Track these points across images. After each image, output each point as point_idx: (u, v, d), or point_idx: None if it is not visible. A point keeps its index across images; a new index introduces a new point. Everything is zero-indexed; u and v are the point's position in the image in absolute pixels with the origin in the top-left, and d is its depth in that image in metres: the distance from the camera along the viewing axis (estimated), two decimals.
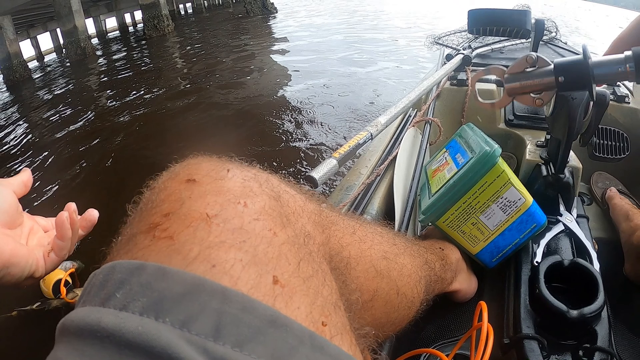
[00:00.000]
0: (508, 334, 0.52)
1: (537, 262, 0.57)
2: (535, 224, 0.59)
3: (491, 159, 0.55)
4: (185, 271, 0.21)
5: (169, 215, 0.24)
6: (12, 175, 0.35)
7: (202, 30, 11.31)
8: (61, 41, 11.05)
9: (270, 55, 6.55)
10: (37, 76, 8.63)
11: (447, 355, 0.45)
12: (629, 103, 0.94)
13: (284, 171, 2.07)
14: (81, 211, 0.36)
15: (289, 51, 6.68)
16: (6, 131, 4.78)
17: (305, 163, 2.75)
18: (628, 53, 0.49)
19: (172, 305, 0.19)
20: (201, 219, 0.23)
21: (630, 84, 1.03)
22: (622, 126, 0.88)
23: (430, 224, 0.62)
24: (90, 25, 12.21)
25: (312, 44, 7.09)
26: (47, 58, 12.38)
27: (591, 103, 0.58)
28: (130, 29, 16.17)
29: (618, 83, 1.01)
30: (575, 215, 0.65)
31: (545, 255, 0.59)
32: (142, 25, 12.95)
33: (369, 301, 0.40)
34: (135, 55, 8.78)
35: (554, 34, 1.56)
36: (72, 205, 0.34)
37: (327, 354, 0.21)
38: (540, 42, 1.15)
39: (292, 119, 3.54)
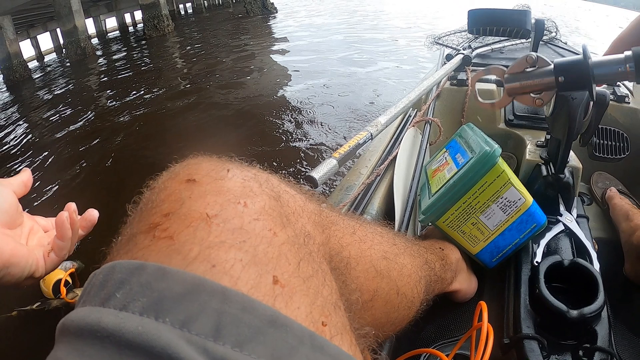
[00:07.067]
0: (508, 334, 0.52)
1: (537, 262, 0.56)
2: (535, 224, 0.59)
3: (491, 159, 0.55)
4: (185, 271, 0.21)
5: (169, 215, 0.24)
6: (12, 175, 0.35)
7: (202, 30, 11.30)
8: (61, 41, 11.06)
9: (270, 55, 6.55)
10: (37, 76, 8.62)
11: (447, 355, 0.45)
12: (629, 103, 0.94)
13: (284, 171, 2.07)
14: (81, 211, 0.36)
15: (289, 51, 6.68)
16: (6, 131, 4.77)
17: (305, 163, 2.75)
18: (628, 53, 0.49)
19: (172, 305, 0.19)
20: (201, 219, 0.23)
21: (630, 84, 1.03)
22: (622, 126, 0.88)
23: (430, 224, 0.62)
24: (90, 25, 12.22)
25: (312, 44, 7.09)
26: (47, 58, 12.37)
27: (591, 103, 0.58)
28: (130, 29, 16.16)
29: (618, 83, 1.01)
30: (575, 215, 0.65)
31: (545, 255, 0.59)
32: (142, 25, 12.94)
33: (369, 301, 0.40)
34: (135, 55, 8.78)
35: (554, 34, 1.56)
36: (72, 205, 0.34)
37: (327, 354, 0.21)
38: (540, 42, 1.15)
39: (292, 119, 3.53)
